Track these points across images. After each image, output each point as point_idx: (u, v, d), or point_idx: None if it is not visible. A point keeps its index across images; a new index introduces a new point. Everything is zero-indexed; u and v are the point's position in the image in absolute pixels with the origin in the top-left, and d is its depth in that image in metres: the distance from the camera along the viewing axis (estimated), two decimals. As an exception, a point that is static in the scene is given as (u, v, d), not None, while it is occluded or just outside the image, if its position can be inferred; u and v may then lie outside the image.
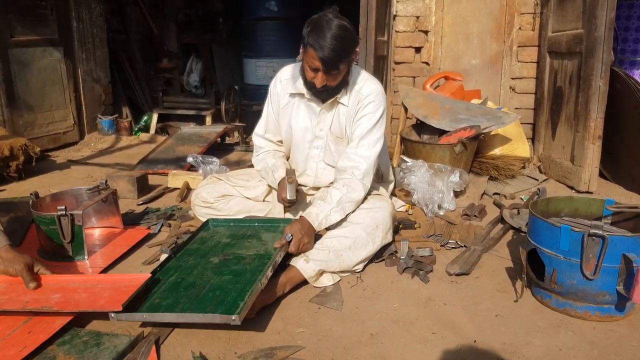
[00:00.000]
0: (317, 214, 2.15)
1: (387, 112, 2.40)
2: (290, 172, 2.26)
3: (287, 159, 2.59)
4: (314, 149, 2.45)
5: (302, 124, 2.42)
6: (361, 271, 2.20)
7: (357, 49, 2.21)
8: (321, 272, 2.07)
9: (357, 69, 2.39)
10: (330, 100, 2.32)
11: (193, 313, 1.68)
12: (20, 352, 1.54)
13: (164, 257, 2.26)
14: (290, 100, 2.41)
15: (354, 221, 2.20)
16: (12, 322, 1.72)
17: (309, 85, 2.24)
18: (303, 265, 2.02)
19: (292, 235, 2.07)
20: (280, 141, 2.55)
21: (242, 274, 1.93)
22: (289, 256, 2.10)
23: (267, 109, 2.50)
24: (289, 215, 2.53)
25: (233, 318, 1.58)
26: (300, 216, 2.17)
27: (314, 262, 2.03)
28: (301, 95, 2.37)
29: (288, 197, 2.19)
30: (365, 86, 2.33)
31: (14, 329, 1.68)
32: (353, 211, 2.24)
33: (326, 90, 2.23)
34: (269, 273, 1.86)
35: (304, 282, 2.04)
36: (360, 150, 2.29)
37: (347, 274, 2.15)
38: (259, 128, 2.55)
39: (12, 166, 3.61)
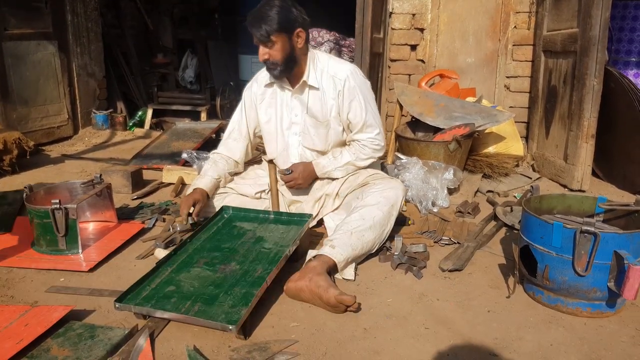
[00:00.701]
0: (324, 166, 2.47)
1: (382, 110, 2.47)
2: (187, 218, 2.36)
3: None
4: (293, 135, 2.52)
5: (278, 113, 2.51)
6: (375, 254, 2.28)
7: (300, 30, 2.29)
8: (347, 262, 2.09)
9: (325, 54, 2.51)
10: (299, 84, 2.41)
11: (194, 317, 1.68)
12: (17, 345, 1.54)
13: (158, 251, 2.28)
14: (264, 92, 2.52)
15: (368, 204, 2.25)
16: (9, 314, 1.73)
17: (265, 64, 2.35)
18: (330, 251, 2.04)
19: (292, 170, 2.44)
20: (246, 142, 2.62)
21: (247, 272, 1.96)
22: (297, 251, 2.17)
23: (239, 113, 2.60)
24: (292, 210, 2.56)
25: (230, 328, 1.60)
26: (311, 162, 2.48)
27: (340, 247, 2.06)
28: (272, 84, 2.49)
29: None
30: (339, 70, 2.42)
31: (11, 321, 1.68)
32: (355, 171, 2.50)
33: (274, 66, 2.31)
34: (273, 275, 1.90)
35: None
36: (370, 128, 2.45)
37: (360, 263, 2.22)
38: (225, 132, 2.65)
39: (5, 160, 3.59)
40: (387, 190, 2.31)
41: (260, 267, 1.98)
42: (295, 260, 2.22)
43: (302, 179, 2.45)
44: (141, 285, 1.84)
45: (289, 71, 2.37)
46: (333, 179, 2.51)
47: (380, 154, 2.54)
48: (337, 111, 2.43)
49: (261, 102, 2.53)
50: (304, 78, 2.40)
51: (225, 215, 2.45)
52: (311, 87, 2.42)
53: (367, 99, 2.44)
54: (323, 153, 2.51)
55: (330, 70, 2.41)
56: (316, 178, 2.51)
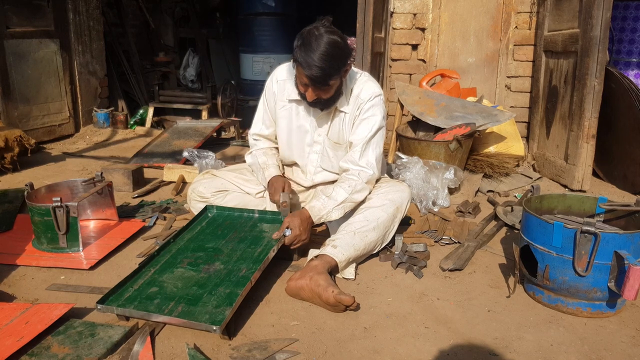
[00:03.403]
0: (319, 209, 2.20)
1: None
2: (285, 197, 2.25)
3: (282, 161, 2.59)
4: (313, 153, 2.45)
5: (301, 128, 2.41)
6: (376, 254, 2.28)
7: (349, 62, 2.17)
8: (349, 262, 2.09)
9: (355, 72, 2.36)
10: (329, 110, 2.31)
11: (177, 318, 1.67)
12: (17, 342, 1.55)
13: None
14: (288, 104, 2.39)
15: (373, 205, 2.24)
16: (10, 312, 1.73)
17: (302, 96, 2.22)
18: (331, 250, 2.04)
19: (291, 229, 2.10)
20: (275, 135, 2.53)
21: (232, 272, 1.94)
22: (283, 249, 2.12)
23: (263, 106, 2.49)
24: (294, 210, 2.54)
25: (214, 329, 1.59)
26: (303, 208, 2.21)
27: (342, 247, 2.06)
28: (300, 101, 2.34)
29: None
30: (364, 89, 2.30)
31: (12, 319, 1.68)
32: (354, 209, 2.28)
33: (320, 102, 2.21)
34: (258, 275, 1.90)
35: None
36: (365, 156, 2.29)
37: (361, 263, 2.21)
38: (254, 126, 2.53)
39: (6, 158, 3.60)
40: (393, 192, 2.30)
41: (245, 267, 1.97)
42: (288, 259, 2.23)
43: (305, 231, 2.15)
44: (124, 287, 1.83)
45: (334, 103, 2.27)
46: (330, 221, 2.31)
47: (372, 187, 2.33)
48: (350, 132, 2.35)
49: (281, 107, 2.41)
50: (336, 104, 2.29)
51: (210, 215, 2.43)
52: (340, 111, 2.33)
53: (378, 129, 2.31)
54: (339, 175, 2.43)
55: (355, 90, 2.31)
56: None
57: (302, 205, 2.55)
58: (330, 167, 2.44)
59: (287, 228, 2.12)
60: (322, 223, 2.53)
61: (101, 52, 5.28)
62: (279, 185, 2.31)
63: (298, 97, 2.30)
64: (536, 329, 1.76)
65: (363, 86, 2.31)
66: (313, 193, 2.53)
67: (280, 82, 2.39)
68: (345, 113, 2.32)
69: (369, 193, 2.31)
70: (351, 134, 2.33)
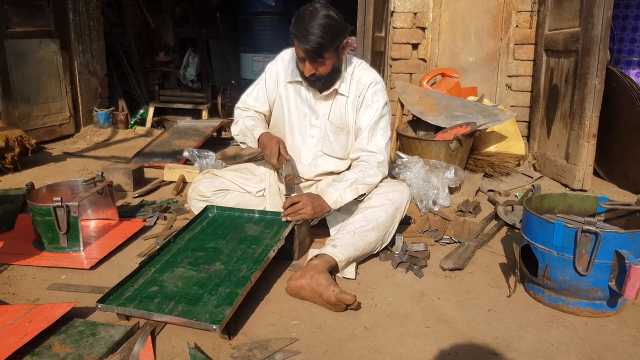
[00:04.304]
0: (332, 192, 2.23)
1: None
2: (288, 169, 2.27)
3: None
4: (310, 137, 2.46)
5: (299, 111, 2.43)
6: (376, 254, 2.28)
7: (346, 39, 2.22)
8: (349, 262, 2.10)
9: (355, 60, 2.42)
10: (328, 92, 2.34)
11: (177, 317, 1.67)
12: (20, 340, 1.55)
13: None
14: (288, 87, 2.42)
15: (373, 205, 2.25)
16: (14, 312, 1.73)
17: (303, 74, 2.27)
18: (331, 250, 2.04)
19: (295, 198, 2.18)
20: (264, 113, 2.52)
21: (232, 272, 1.94)
22: (284, 251, 2.13)
23: (260, 84, 2.48)
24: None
25: (214, 328, 1.59)
26: (318, 194, 2.24)
27: (341, 247, 2.06)
28: (299, 83, 2.39)
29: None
30: (365, 76, 2.36)
31: (16, 319, 1.69)
32: (366, 194, 2.29)
33: (319, 79, 2.25)
34: (258, 274, 1.89)
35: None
36: (374, 141, 2.33)
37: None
38: (244, 98, 2.52)
39: (7, 158, 3.60)
40: (393, 193, 2.30)
41: (245, 267, 1.97)
42: (289, 259, 2.23)
43: (310, 206, 2.17)
44: (124, 286, 1.83)
45: (333, 83, 2.31)
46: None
47: (385, 172, 2.36)
48: (354, 118, 2.38)
49: (283, 87, 2.42)
50: (336, 86, 2.33)
51: (210, 215, 2.43)
52: (340, 94, 2.36)
53: (382, 114, 2.34)
54: (342, 160, 2.46)
55: (355, 76, 2.35)
56: (328, 211, 2.24)
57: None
58: (332, 152, 2.45)
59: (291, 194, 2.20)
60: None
61: (101, 52, 5.29)
62: (273, 146, 2.27)
63: (299, 78, 2.34)
64: (537, 329, 1.76)
65: (363, 73, 2.37)
66: (315, 188, 2.53)
67: (286, 60, 2.43)
68: (347, 97, 2.36)
69: (383, 177, 2.34)
70: (357, 122, 2.37)
